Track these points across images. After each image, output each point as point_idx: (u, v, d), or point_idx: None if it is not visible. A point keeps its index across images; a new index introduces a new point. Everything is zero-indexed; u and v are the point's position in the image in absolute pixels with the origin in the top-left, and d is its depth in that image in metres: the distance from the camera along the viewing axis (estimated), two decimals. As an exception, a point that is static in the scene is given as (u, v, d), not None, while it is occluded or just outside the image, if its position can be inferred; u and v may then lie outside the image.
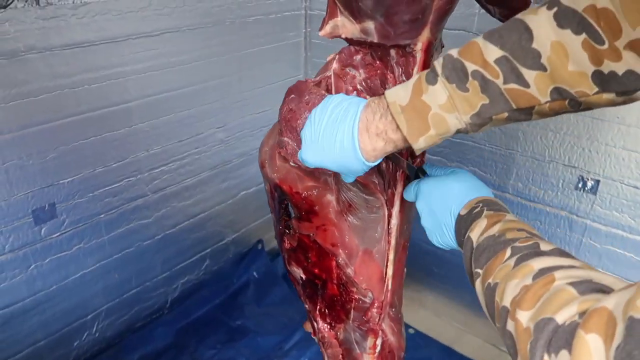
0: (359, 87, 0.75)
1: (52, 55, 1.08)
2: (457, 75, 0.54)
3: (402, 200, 0.80)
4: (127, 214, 1.35)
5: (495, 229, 0.55)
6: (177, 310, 1.58)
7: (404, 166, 0.75)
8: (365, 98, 0.66)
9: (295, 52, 1.68)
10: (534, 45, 0.49)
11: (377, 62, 0.74)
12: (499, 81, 0.52)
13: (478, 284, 0.53)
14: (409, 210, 0.84)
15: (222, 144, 1.54)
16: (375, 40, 0.70)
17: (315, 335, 0.94)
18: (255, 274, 1.76)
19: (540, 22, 0.50)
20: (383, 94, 0.61)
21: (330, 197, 0.78)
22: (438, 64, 0.56)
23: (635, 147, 1.15)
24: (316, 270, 0.86)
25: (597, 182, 1.22)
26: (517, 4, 0.72)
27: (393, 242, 0.81)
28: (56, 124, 1.13)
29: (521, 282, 0.45)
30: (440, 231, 0.67)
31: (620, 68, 0.46)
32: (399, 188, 0.80)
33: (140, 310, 1.50)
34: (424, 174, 0.74)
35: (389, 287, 0.84)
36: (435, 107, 0.55)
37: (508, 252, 0.50)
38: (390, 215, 0.80)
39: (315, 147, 0.64)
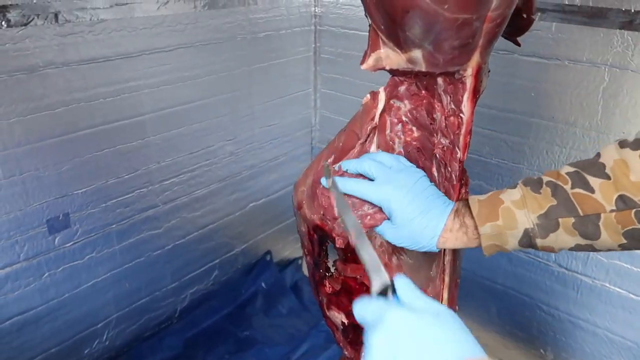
0: (404, 118, 0.74)
1: (70, 70, 1.12)
2: (534, 183, 0.62)
3: None
4: (138, 225, 1.38)
5: None
6: (185, 320, 1.60)
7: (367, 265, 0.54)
8: (411, 130, 0.72)
9: (305, 66, 1.71)
10: (600, 160, 0.59)
11: (423, 91, 0.72)
12: (568, 186, 0.59)
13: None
14: None
15: (232, 156, 1.56)
16: (423, 69, 0.66)
17: None
18: (263, 284, 1.77)
19: (608, 148, 0.60)
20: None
21: (381, 238, 0.74)
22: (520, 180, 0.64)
23: (641, 162, 1.15)
24: None
25: (604, 196, 1.22)
26: (521, 23, 0.73)
27: (447, 280, 0.79)
28: (72, 136, 1.17)
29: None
30: None
31: None
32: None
33: (150, 320, 1.52)
34: (392, 290, 0.50)
35: None
36: (507, 202, 0.62)
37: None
38: (444, 252, 0.78)
39: (401, 232, 0.67)
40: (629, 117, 1.14)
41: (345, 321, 0.85)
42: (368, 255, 0.53)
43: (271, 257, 1.83)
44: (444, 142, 0.73)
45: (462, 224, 0.65)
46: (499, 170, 1.39)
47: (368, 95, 0.75)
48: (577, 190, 0.58)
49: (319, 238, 0.81)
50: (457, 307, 0.88)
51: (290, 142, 1.74)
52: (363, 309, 0.49)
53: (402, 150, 0.75)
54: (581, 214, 0.58)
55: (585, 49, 1.16)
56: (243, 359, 1.53)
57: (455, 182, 0.74)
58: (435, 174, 0.75)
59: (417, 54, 0.65)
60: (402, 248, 0.75)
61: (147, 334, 1.52)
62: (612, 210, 0.56)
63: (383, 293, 0.50)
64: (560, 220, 0.59)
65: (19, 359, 1.23)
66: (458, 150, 0.73)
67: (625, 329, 1.28)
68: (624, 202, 0.56)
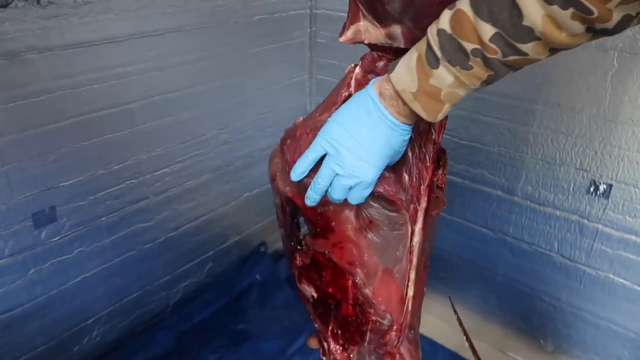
0: None
1: (54, 56, 1.06)
2: (459, 57, 0.55)
3: (426, 216, 0.76)
4: (129, 217, 1.33)
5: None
6: (178, 314, 1.56)
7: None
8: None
9: (300, 52, 1.65)
10: (525, 22, 0.50)
11: None
12: (499, 56, 0.54)
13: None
14: (431, 227, 0.80)
15: (225, 145, 1.51)
16: (402, 46, 0.67)
17: (324, 355, 0.89)
18: (258, 276, 1.73)
19: (526, 3, 0.50)
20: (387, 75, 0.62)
21: (349, 213, 0.74)
22: (434, 42, 0.56)
23: (649, 150, 1.12)
24: (330, 290, 0.81)
25: (610, 186, 1.19)
26: None
27: (415, 260, 0.77)
28: (57, 125, 1.11)
29: None
30: None
31: (611, 24, 0.48)
32: (423, 204, 0.76)
33: (142, 314, 1.47)
34: None
35: (409, 308, 0.79)
36: (445, 88, 0.58)
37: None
38: (412, 233, 0.76)
39: (359, 150, 0.65)
40: (638, 104, 1.10)
41: (315, 295, 0.84)
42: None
43: (266, 249, 1.79)
44: (420, 122, 0.71)
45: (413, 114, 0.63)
46: (501, 159, 1.35)
47: (351, 66, 0.75)
48: (510, 57, 0.54)
49: (291, 210, 0.80)
50: (425, 290, 0.86)
51: (284, 131, 1.69)
52: None
53: None
54: (519, 67, 0.56)
55: (593, 33, 1.11)
56: (238, 353, 1.49)
57: (428, 164, 0.73)
58: (410, 154, 0.73)
59: (396, 29, 0.66)
60: (369, 226, 0.74)
61: (139, 329, 1.48)
62: (547, 56, 0.54)
63: None
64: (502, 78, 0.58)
65: (5, 358, 1.18)
66: (433, 132, 0.72)
67: (629, 321, 1.26)
68: (557, 50, 0.53)
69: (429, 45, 0.57)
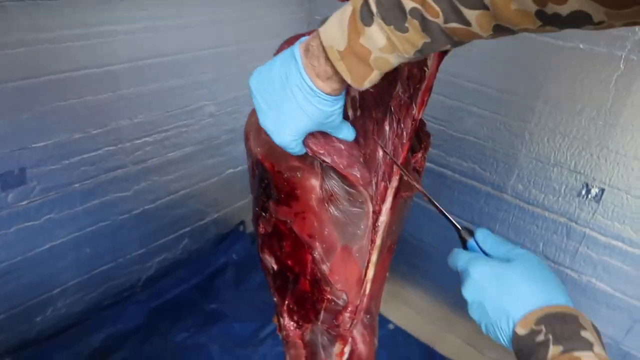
0: None
1: (34, 6, 0.97)
2: (394, 15, 0.48)
3: (396, 196, 0.72)
4: (105, 185, 1.26)
5: None
6: (150, 289, 1.51)
7: (449, 220, 0.65)
8: None
9: (297, 28, 1.59)
10: None
11: None
12: (439, 20, 0.48)
13: None
14: (402, 208, 0.77)
15: (212, 118, 1.44)
16: None
17: (279, 332, 0.87)
18: (234, 256, 1.69)
19: None
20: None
21: (315, 183, 0.70)
22: None
23: (646, 158, 1.11)
24: (289, 262, 0.78)
25: (602, 190, 1.18)
26: None
27: (378, 241, 0.73)
28: (33, 81, 1.02)
29: None
30: (492, 330, 0.56)
31: (564, 10, 0.42)
32: (394, 182, 0.72)
33: (111, 288, 1.41)
34: (471, 235, 0.61)
35: (367, 291, 0.76)
36: (375, 51, 0.51)
37: None
38: (379, 212, 0.72)
39: (274, 113, 0.58)
40: (640, 110, 1.08)
41: (275, 266, 0.81)
42: (443, 213, 0.63)
43: (244, 228, 1.74)
44: (402, 95, 0.68)
45: (340, 81, 0.55)
46: (494, 154, 1.33)
47: None
48: (452, 25, 0.47)
49: (260, 174, 0.76)
50: (387, 274, 0.84)
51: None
52: (452, 259, 0.60)
53: (356, 95, 0.71)
54: (457, 40, 0.50)
55: (603, 33, 1.08)
56: (209, 333, 1.45)
57: (405, 141, 0.69)
58: (387, 128, 0.69)
59: None
60: (330, 199, 0.70)
61: (108, 303, 1.42)
62: (489, 35, 0.48)
63: (462, 241, 0.61)
64: (437, 50, 0.52)
65: (-38, 325, 1.11)
66: (414, 107, 0.68)
67: (606, 326, 1.26)
68: (502, 29, 0.47)
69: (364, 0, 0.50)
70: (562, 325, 0.49)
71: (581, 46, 1.12)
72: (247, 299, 1.61)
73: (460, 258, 0.59)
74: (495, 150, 1.33)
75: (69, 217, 1.21)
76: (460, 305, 1.65)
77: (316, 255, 0.73)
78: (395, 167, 0.71)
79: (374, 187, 0.71)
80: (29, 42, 0.99)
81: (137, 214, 1.37)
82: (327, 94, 0.55)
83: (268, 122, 0.59)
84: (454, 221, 0.63)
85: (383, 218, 0.72)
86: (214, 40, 1.34)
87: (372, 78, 0.53)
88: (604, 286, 1.24)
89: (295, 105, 0.56)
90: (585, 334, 0.49)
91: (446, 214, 0.64)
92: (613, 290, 1.22)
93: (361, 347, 0.83)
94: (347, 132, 0.67)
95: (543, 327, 0.49)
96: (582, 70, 1.13)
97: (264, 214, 0.78)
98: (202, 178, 1.51)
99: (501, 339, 0.55)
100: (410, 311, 1.63)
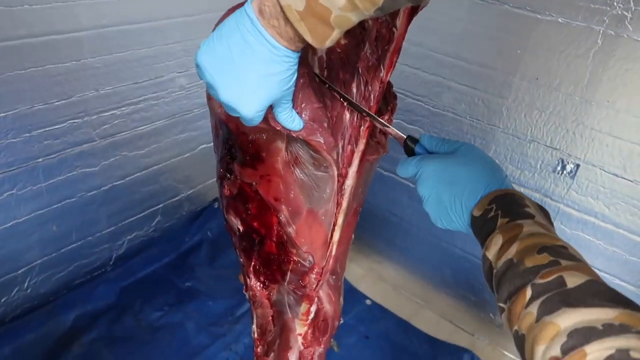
0: None
1: (-15, -37, 0.90)
2: None
3: (362, 160, 0.72)
4: (70, 160, 1.20)
5: (512, 251, 0.51)
6: (121, 268, 1.46)
7: (391, 133, 0.68)
8: None
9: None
10: None
11: None
12: None
13: (504, 319, 0.50)
14: (367, 172, 0.77)
15: (183, 90, 1.39)
16: None
17: (246, 291, 0.88)
18: (209, 233, 1.65)
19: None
20: None
21: (281, 145, 0.70)
22: None
23: (621, 133, 1.11)
24: (255, 224, 0.78)
25: (577, 166, 1.18)
26: None
27: (345, 204, 0.74)
28: (-13, 47, 0.96)
29: (548, 350, 0.41)
30: (447, 218, 0.62)
31: None
32: (361, 146, 0.72)
33: (80, 267, 1.37)
34: (415, 143, 0.68)
35: (333, 252, 0.77)
36: (336, 10, 0.49)
37: (528, 292, 0.46)
38: (345, 176, 0.72)
39: (235, 84, 0.54)
40: (616, 85, 1.08)
41: (241, 228, 0.81)
42: (385, 126, 0.67)
43: (219, 205, 1.70)
44: (370, 56, 0.67)
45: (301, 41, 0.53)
46: (472, 130, 1.32)
47: None
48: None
49: (224, 135, 0.75)
50: (353, 236, 0.85)
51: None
52: (404, 167, 0.66)
53: (324, 55, 0.69)
54: None
55: (582, 7, 1.07)
56: (184, 312, 1.43)
57: (372, 103, 0.68)
58: (354, 90, 0.69)
59: None
60: (295, 162, 0.70)
61: (77, 282, 1.38)
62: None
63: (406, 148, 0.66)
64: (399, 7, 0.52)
65: None
66: (382, 69, 0.67)
67: (577, 299, 1.29)
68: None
69: None
70: (509, 203, 0.57)
71: (559, 20, 1.11)
72: (222, 276, 1.59)
73: (409, 162, 0.65)
74: (472, 127, 1.32)
75: (32, 194, 1.15)
76: (437, 280, 1.66)
77: (282, 218, 0.74)
78: (362, 128, 0.69)
79: (340, 150, 0.70)
80: (-19, 4, 0.92)
81: (105, 191, 1.32)
82: (293, 51, 0.53)
83: (230, 95, 0.54)
84: (398, 132, 0.67)
85: (349, 182, 0.72)
86: (184, 7, 1.28)
87: (333, 37, 0.51)
88: (576, 260, 1.25)
89: (260, 69, 0.53)
90: (528, 209, 0.56)
91: (389, 126, 0.68)
92: (585, 264, 1.24)
93: (327, 307, 0.85)
94: (298, 122, 0.64)
95: (494, 206, 0.57)
96: (560, 45, 1.12)
97: (228, 175, 0.77)
98: (173, 153, 1.46)
99: (456, 222, 0.62)
100: (387, 287, 1.63)
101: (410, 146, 0.69)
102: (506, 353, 1.44)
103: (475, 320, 1.49)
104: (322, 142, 0.66)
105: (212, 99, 0.74)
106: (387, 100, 0.77)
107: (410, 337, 1.46)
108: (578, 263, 0.49)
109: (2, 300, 1.21)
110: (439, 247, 1.49)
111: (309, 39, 0.50)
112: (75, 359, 1.25)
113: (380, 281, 1.65)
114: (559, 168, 1.21)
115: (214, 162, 1.58)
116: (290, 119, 0.62)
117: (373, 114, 0.69)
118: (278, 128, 0.63)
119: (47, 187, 1.18)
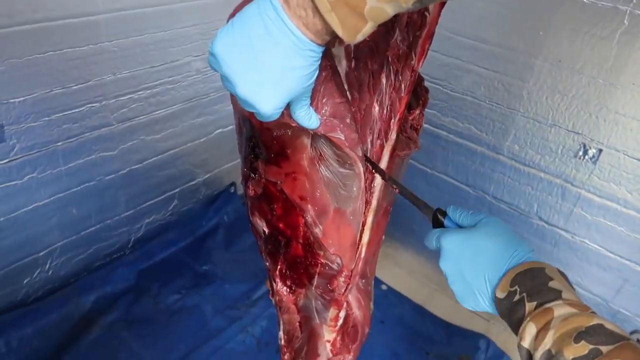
0: None
1: (3, -53, 0.90)
2: None
3: (392, 155, 0.69)
4: (89, 144, 1.21)
5: (548, 341, 0.49)
6: (140, 251, 1.48)
7: (420, 206, 0.66)
8: None
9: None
10: None
11: None
12: None
13: None
14: (398, 168, 0.73)
15: (200, 74, 1.38)
16: None
17: (272, 296, 0.84)
18: (225, 217, 1.66)
19: None
20: None
21: (307, 141, 0.66)
22: None
23: (646, 117, 1.08)
24: (281, 225, 0.74)
25: (600, 151, 1.16)
26: None
27: (374, 203, 0.70)
28: (7, 31, 0.96)
29: None
30: (473, 297, 0.59)
31: None
32: (391, 141, 0.68)
33: (100, 249, 1.38)
34: (444, 215, 0.65)
35: (362, 254, 0.73)
36: (371, 1, 0.45)
37: None
38: (373, 174, 0.69)
39: (255, 76, 0.50)
40: (643, 68, 1.05)
41: (266, 230, 0.77)
42: (416, 200, 0.64)
43: (235, 189, 1.71)
44: (400, 44, 0.63)
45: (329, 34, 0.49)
46: (491, 114, 1.30)
47: None
48: None
49: (247, 131, 0.71)
50: (383, 236, 0.81)
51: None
52: (429, 239, 0.64)
53: (351, 45, 0.63)
54: None
55: (609, -14, 1.04)
56: (201, 295, 1.44)
57: (403, 94, 0.64)
58: (384, 80, 0.65)
59: None
60: (320, 159, 0.66)
61: (97, 265, 1.40)
62: None
63: (440, 224, 0.63)
64: None
65: (-55, 288, 1.08)
66: (413, 57, 0.63)
67: (596, 286, 1.27)
68: None
69: None
70: (532, 280, 0.54)
71: (585, 0, 1.07)
72: (238, 260, 1.60)
73: (433, 234, 0.63)
74: (492, 110, 1.29)
75: (52, 177, 1.17)
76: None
77: (308, 218, 0.70)
78: (393, 121, 0.67)
79: (369, 146, 0.67)
80: (0, -12, 0.92)
81: (124, 174, 1.33)
82: (319, 45, 0.49)
83: (248, 89, 0.50)
84: (427, 203, 0.65)
85: (379, 180, 0.69)
86: (200, -10, 1.27)
87: (365, 31, 0.47)
88: (596, 247, 1.23)
89: (280, 61, 0.49)
90: (553, 284, 0.53)
91: (419, 198, 0.66)
92: (605, 250, 1.22)
93: (356, 312, 0.81)
94: (315, 120, 0.59)
95: (517, 287, 0.54)
96: (584, 26, 1.09)
97: (252, 175, 0.74)
98: (190, 138, 1.46)
99: (483, 304, 0.58)
100: (403, 272, 1.63)
101: (439, 219, 0.65)
102: (523, 339, 1.43)
103: (492, 306, 1.49)
104: (343, 138, 0.62)
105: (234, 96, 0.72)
106: (418, 94, 0.74)
107: (426, 322, 1.47)
108: (619, 346, 0.46)
109: (25, 281, 1.23)
110: (456, 232, 1.48)
111: (339, 31, 0.47)
112: (94, 340, 1.28)
113: (395, 266, 1.64)
114: (580, 153, 1.19)
115: (230, 147, 1.59)
116: (307, 117, 0.58)
117: (401, 185, 0.66)
118: (294, 125, 0.60)
119: (66, 171, 1.19)
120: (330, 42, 0.53)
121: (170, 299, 1.42)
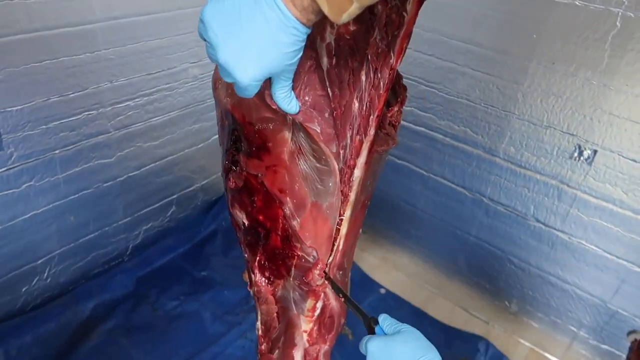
0: None
1: (-1, -44, 0.91)
2: None
3: (371, 151, 0.70)
4: (86, 152, 1.21)
5: None
6: (138, 258, 1.48)
7: (358, 314, 0.73)
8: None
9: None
10: None
11: None
12: None
13: None
14: (376, 164, 0.75)
15: (196, 81, 1.39)
16: None
17: (250, 288, 0.86)
18: (223, 223, 1.66)
19: None
20: None
21: (287, 135, 0.68)
22: None
23: (640, 118, 1.09)
24: (260, 217, 0.76)
25: (595, 152, 1.17)
26: None
27: (352, 197, 0.71)
28: (4, 40, 0.97)
29: None
30: None
31: None
32: (369, 136, 0.69)
33: (98, 257, 1.39)
34: (376, 323, 0.73)
35: (340, 247, 0.75)
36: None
37: None
38: (353, 167, 0.70)
39: (237, 43, 0.51)
40: (635, 69, 1.06)
41: (246, 222, 0.78)
42: (355, 308, 0.73)
43: (232, 195, 1.71)
44: (379, 42, 0.64)
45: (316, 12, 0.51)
46: (486, 117, 1.30)
47: None
48: None
49: (229, 125, 0.72)
50: (360, 230, 0.83)
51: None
52: (361, 345, 0.70)
53: (332, 42, 0.65)
54: None
55: (600, -11, 1.05)
56: (199, 301, 1.44)
57: (382, 92, 0.65)
58: (363, 78, 0.66)
59: None
60: (299, 153, 0.68)
61: (96, 272, 1.40)
62: None
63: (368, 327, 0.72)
64: None
65: (-57, 297, 1.08)
66: (392, 55, 0.64)
67: (594, 286, 1.28)
68: None
69: None
70: None
71: (577, 3, 1.08)
72: (237, 266, 1.60)
73: (363, 340, 0.70)
74: (487, 113, 1.30)
75: (50, 185, 1.17)
76: (451, 269, 1.65)
77: (287, 210, 0.72)
78: (372, 118, 0.68)
79: (348, 141, 0.68)
80: (-3, -2, 0.93)
81: (121, 181, 1.34)
82: (303, 25, 0.50)
83: (229, 56, 0.51)
84: (364, 312, 0.73)
85: (357, 173, 0.70)
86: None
87: (351, 11, 0.48)
88: (593, 247, 1.24)
89: (265, 33, 0.50)
90: None
91: (357, 305, 0.74)
92: (602, 251, 1.23)
93: (333, 303, 0.83)
94: (295, 105, 0.62)
95: None
96: (577, 28, 1.10)
97: (234, 167, 0.76)
98: (187, 144, 1.47)
99: None
100: (401, 275, 1.63)
101: (371, 327, 0.74)
102: (521, 341, 1.43)
103: (490, 308, 1.49)
104: (319, 131, 0.65)
105: (217, 89, 0.73)
106: (397, 92, 0.75)
107: (425, 325, 1.47)
108: None
109: (24, 289, 1.23)
110: (453, 235, 1.48)
111: (325, 9, 0.48)
112: (93, 347, 1.28)
113: (394, 270, 1.65)
114: (576, 154, 1.19)
115: (227, 153, 1.60)
116: (288, 99, 0.59)
117: (345, 294, 0.74)
118: (274, 107, 0.62)
119: (64, 179, 1.19)
120: (317, 31, 0.54)
121: (169, 305, 1.42)
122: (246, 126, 0.68)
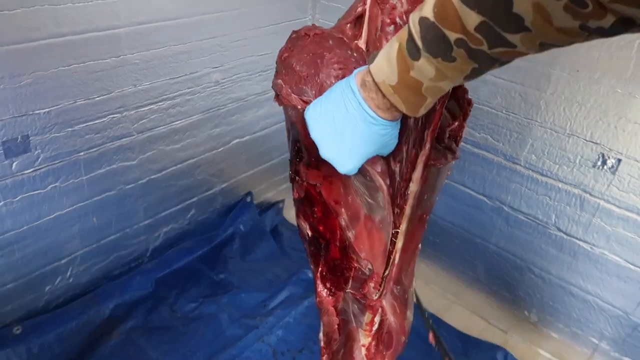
0: (398, 20, 0.65)
1: (31, -37, 0.93)
2: (440, 47, 0.51)
3: (427, 164, 0.70)
4: (110, 154, 1.24)
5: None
6: (158, 259, 1.50)
7: (438, 347, 0.74)
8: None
9: (300, -2, 1.53)
10: (515, 10, 0.45)
11: None
12: (484, 47, 0.49)
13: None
14: (434, 177, 0.74)
15: (218, 85, 1.41)
16: None
17: (316, 298, 0.87)
18: (242, 227, 1.67)
19: None
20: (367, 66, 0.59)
21: None
22: (416, 32, 0.52)
23: (666, 127, 1.07)
24: (321, 228, 0.78)
25: (619, 161, 1.15)
26: None
27: (408, 210, 0.71)
28: (32, 45, 0.99)
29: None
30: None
31: (606, 22, 0.42)
32: (425, 150, 0.70)
33: (119, 258, 1.41)
34: None
35: (396, 261, 0.75)
36: (426, 82, 0.54)
37: None
38: (408, 180, 0.70)
39: (337, 146, 0.62)
40: (662, 77, 1.04)
41: (309, 233, 0.81)
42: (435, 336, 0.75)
43: (252, 199, 1.72)
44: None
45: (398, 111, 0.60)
46: (508, 124, 1.29)
47: None
48: (498, 49, 0.49)
49: (293, 135, 0.76)
50: (420, 246, 0.83)
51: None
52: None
53: None
54: (504, 60, 0.52)
55: (627, -4, 1.03)
56: (217, 304, 1.45)
57: (437, 107, 0.66)
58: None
59: None
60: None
61: (116, 272, 1.42)
62: (535, 52, 0.50)
63: None
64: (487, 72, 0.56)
65: (-30, 294, 1.11)
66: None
67: (616, 297, 1.25)
68: (548, 45, 0.49)
69: (410, 35, 0.53)
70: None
71: (603, 10, 1.07)
72: (254, 269, 1.61)
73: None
74: (509, 120, 1.29)
75: (74, 186, 1.19)
76: (469, 276, 1.64)
77: (342, 221, 0.73)
78: (427, 132, 0.68)
79: (404, 155, 0.68)
80: (26, 2, 0.95)
81: (143, 184, 1.35)
82: (390, 121, 0.59)
83: (331, 154, 0.62)
84: (445, 345, 0.74)
85: (413, 187, 0.71)
86: (218, 2, 1.29)
87: (426, 104, 0.57)
88: (616, 258, 1.22)
89: (359, 136, 0.60)
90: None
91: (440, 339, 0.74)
92: (625, 261, 1.21)
93: (391, 318, 0.82)
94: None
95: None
96: (603, 35, 1.08)
97: (297, 177, 0.78)
98: (208, 148, 1.48)
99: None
100: (419, 282, 1.62)
101: None
102: (541, 351, 1.41)
103: (509, 317, 1.47)
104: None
105: (279, 98, 0.74)
106: (461, 105, 0.75)
107: (442, 333, 1.45)
108: None
109: (47, 288, 1.26)
110: (472, 242, 1.47)
111: (403, 109, 0.56)
112: (113, 347, 1.29)
113: (411, 276, 1.63)
114: (599, 163, 1.18)
115: (247, 157, 1.61)
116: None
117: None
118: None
119: (87, 180, 1.22)
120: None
121: (187, 307, 1.43)
122: (307, 137, 0.69)
